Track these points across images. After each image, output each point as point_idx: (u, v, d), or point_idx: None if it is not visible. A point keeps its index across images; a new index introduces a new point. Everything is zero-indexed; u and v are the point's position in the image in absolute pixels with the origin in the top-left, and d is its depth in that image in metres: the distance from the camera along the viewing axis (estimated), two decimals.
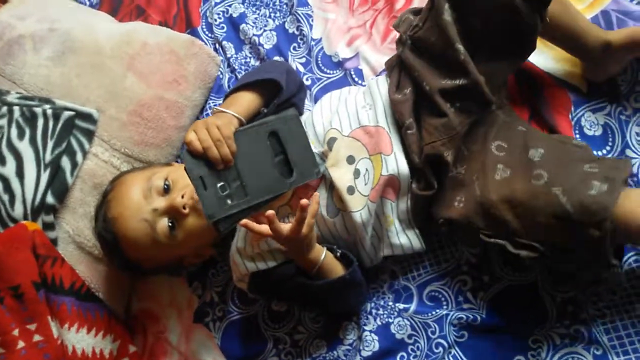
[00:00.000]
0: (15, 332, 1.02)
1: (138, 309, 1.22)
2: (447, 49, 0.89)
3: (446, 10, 0.87)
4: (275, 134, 0.91)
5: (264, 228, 0.88)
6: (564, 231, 0.82)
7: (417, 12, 0.97)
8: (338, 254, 0.97)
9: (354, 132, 0.96)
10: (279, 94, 1.00)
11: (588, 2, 1.04)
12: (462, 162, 0.93)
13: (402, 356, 1.01)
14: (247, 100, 0.98)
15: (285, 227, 0.88)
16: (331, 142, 0.96)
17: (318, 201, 0.90)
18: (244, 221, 0.88)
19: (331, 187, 0.96)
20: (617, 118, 1.00)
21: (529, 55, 0.95)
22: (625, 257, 0.93)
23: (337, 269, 0.96)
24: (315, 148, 0.97)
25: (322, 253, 0.94)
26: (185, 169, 0.86)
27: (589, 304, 0.94)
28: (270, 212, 0.86)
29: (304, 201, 0.86)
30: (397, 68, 0.98)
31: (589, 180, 0.80)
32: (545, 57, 1.05)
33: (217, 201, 0.86)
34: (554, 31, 0.89)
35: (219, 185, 0.87)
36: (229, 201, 0.87)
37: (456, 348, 0.98)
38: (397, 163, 0.94)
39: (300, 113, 1.08)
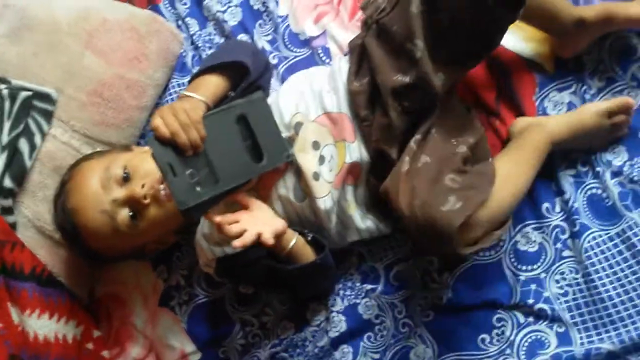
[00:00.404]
0: None
1: (102, 293, 1.20)
2: (406, 41, 0.87)
3: (415, 1, 0.85)
4: (243, 117, 0.90)
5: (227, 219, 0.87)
6: (422, 237, 0.84)
7: None
8: (309, 238, 0.96)
9: (320, 117, 0.95)
10: (246, 76, 0.97)
11: None
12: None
13: (369, 336, 1.02)
14: (214, 84, 0.96)
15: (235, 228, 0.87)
16: (297, 126, 0.95)
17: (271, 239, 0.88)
18: (212, 217, 0.88)
19: (298, 172, 0.95)
20: (581, 97, 1.00)
21: (491, 52, 0.94)
22: (584, 236, 0.95)
23: (308, 253, 0.95)
24: (283, 132, 0.95)
25: (293, 238, 0.93)
26: (152, 155, 0.84)
27: (552, 282, 0.95)
28: (217, 218, 0.85)
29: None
30: (358, 52, 0.96)
31: (445, 195, 0.81)
32: (513, 37, 1.04)
33: (187, 188, 0.84)
34: (527, 12, 0.89)
35: (187, 172, 0.85)
36: (198, 188, 0.85)
37: (422, 327, 0.99)
38: (360, 151, 0.94)
39: (267, 94, 1.06)
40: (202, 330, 1.12)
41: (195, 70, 1.19)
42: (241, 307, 1.10)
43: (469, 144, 0.90)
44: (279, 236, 0.89)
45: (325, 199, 0.94)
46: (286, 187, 0.95)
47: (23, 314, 1.05)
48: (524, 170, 0.92)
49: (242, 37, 1.20)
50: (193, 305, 1.13)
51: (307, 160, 0.93)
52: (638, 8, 0.95)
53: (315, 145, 0.94)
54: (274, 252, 0.94)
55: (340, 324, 1.02)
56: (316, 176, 0.93)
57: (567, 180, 0.98)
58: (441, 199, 0.80)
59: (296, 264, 0.94)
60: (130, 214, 0.94)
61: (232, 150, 0.89)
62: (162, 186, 0.93)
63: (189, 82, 1.00)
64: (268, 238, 0.86)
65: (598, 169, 0.97)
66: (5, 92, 1.10)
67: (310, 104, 0.96)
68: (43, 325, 1.06)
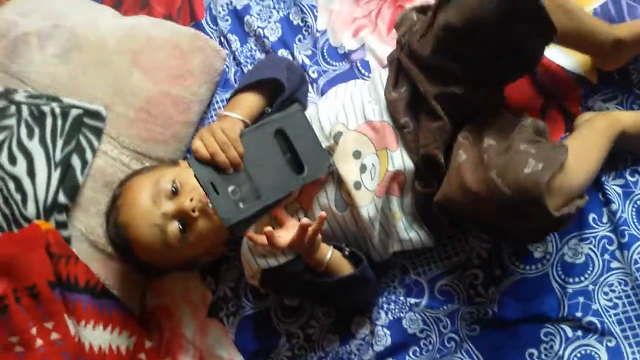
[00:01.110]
0: (33, 331, 1.04)
1: (153, 304, 1.23)
2: (442, 64, 0.88)
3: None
4: (281, 131, 0.91)
5: (263, 240, 0.89)
6: (510, 216, 0.81)
7: (421, 10, 0.95)
8: (346, 252, 0.97)
9: (360, 126, 0.95)
10: (281, 92, 0.99)
11: None
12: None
13: (415, 350, 1.02)
14: (250, 101, 0.98)
15: (285, 238, 0.89)
16: (337, 136, 0.96)
17: (322, 222, 0.89)
18: (249, 234, 0.90)
19: (339, 182, 0.95)
20: (629, 107, 0.98)
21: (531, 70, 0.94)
22: (634, 247, 0.93)
23: (345, 267, 0.96)
24: (322, 143, 0.96)
25: (328, 252, 0.94)
26: (195, 176, 0.86)
27: (601, 295, 0.94)
28: (267, 229, 0.86)
29: (305, 220, 0.87)
30: (396, 65, 0.97)
31: (524, 158, 0.79)
32: (556, 49, 1.02)
33: (230, 205, 0.86)
34: (562, 39, 0.87)
35: (230, 189, 0.87)
36: (241, 205, 0.87)
37: (468, 342, 0.98)
38: (402, 159, 0.94)
39: (304, 107, 1.07)
40: (249, 342, 1.14)
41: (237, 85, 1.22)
42: (287, 319, 1.11)
43: (534, 120, 0.88)
44: (298, 244, 0.89)
45: (368, 208, 0.94)
46: (327, 197, 0.96)
47: (79, 325, 1.09)
48: (595, 150, 0.90)
49: (282, 52, 1.21)
50: (240, 316, 1.15)
51: (348, 170, 0.94)
52: None
53: (356, 154, 0.94)
54: (312, 267, 0.95)
55: (385, 338, 1.03)
56: (358, 185, 0.94)
57: (614, 190, 0.95)
58: (521, 163, 0.78)
59: (333, 277, 0.95)
60: (180, 227, 0.97)
61: (272, 164, 0.90)
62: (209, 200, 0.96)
63: (227, 101, 1.02)
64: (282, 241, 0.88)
65: None
66: (57, 110, 1.14)
67: (351, 113, 0.97)
68: (98, 336, 1.10)
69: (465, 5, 0.80)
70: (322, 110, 0.99)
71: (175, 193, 0.98)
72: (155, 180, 1.00)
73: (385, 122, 0.95)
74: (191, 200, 0.96)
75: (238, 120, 0.94)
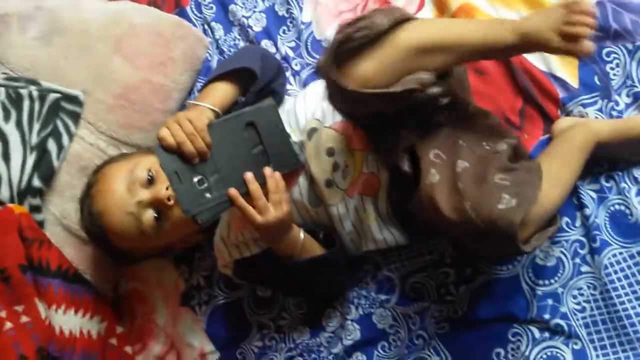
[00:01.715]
0: (3, 314, 1.03)
1: (126, 289, 1.23)
2: None
3: None
4: (252, 124, 0.90)
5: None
6: (480, 243, 0.82)
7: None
8: (320, 236, 0.97)
9: (336, 124, 0.95)
10: (254, 82, 0.98)
11: None
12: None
13: (384, 346, 1.02)
14: (222, 91, 0.97)
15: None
16: (311, 132, 0.95)
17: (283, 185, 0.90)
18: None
19: (312, 178, 0.95)
20: (608, 114, 0.98)
21: None
22: (604, 252, 0.94)
23: (317, 250, 0.96)
24: (296, 137, 0.96)
25: (299, 233, 0.94)
26: (159, 165, 0.85)
27: (569, 298, 0.94)
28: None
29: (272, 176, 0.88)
30: None
31: (498, 193, 0.79)
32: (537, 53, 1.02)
33: (194, 195, 0.86)
34: None
35: (196, 179, 0.86)
36: (207, 194, 0.86)
37: (436, 340, 0.99)
38: (377, 162, 0.93)
39: (281, 99, 1.06)
40: (220, 331, 1.14)
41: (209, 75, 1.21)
42: (259, 310, 1.12)
43: (508, 143, 0.88)
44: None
45: (338, 206, 0.94)
46: (301, 193, 0.96)
47: (49, 308, 1.08)
48: (570, 168, 0.90)
49: (266, 42, 1.20)
50: (212, 305, 1.15)
51: (320, 167, 0.93)
52: None
53: (329, 151, 0.94)
54: (286, 256, 0.95)
55: (354, 332, 1.03)
56: (329, 183, 0.94)
57: (589, 195, 0.96)
58: (495, 198, 0.78)
59: (305, 258, 0.94)
60: (155, 215, 0.96)
61: (240, 157, 0.89)
62: None
63: (200, 91, 1.01)
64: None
65: (623, 185, 0.95)
66: (35, 93, 1.13)
67: (328, 109, 0.96)
68: (68, 320, 1.10)
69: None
70: (299, 104, 0.99)
71: (150, 181, 0.97)
72: (130, 168, 0.99)
73: None
74: (167, 188, 0.95)
75: (207, 110, 0.92)
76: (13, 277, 1.05)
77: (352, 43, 0.76)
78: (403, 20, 0.79)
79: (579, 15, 0.76)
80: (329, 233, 0.97)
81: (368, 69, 0.77)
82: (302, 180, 0.96)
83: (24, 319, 1.06)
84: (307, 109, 0.98)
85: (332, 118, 0.95)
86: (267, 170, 0.88)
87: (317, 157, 0.94)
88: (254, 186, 0.88)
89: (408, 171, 0.88)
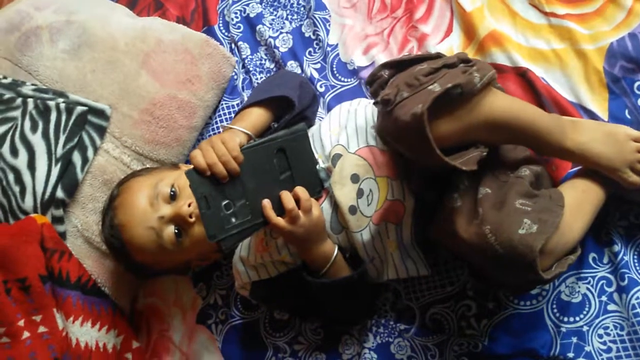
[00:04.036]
0: (21, 323, 1.04)
1: (144, 304, 1.23)
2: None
3: None
4: (283, 150, 0.90)
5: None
6: (499, 270, 0.80)
7: (392, 66, 0.90)
8: (347, 256, 0.96)
9: (361, 150, 0.94)
10: (291, 110, 0.98)
11: (614, 24, 0.99)
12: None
13: None
14: (256, 115, 0.97)
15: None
16: (335, 158, 0.94)
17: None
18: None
19: (336, 204, 0.94)
20: None
21: None
22: (632, 291, 0.90)
23: (344, 272, 0.94)
24: (322, 163, 0.95)
25: (334, 249, 0.93)
26: (190, 187, 0.85)
27: (595, 337, 0.92)
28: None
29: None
30: None
31: (519, 218, 0.77)
32: (567, 83, 1.00)
33: (220, 220, 0.85)
34: None
35: (224, 203, 0.86)
36: (233, 219, 0.86)
37: None
38: (403, 190, 0.92)
39: (311, 125, 1.06)
40: (235, 352, 1.13)
41: (245, 93, 1.21)
42: (275, 332, 1.10)
43: (531, 170, 0.86)
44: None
45: (362, 233, 0.93)
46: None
47: (67, 320, 1.08)
48: (591, 206, 0.88)
49: (292, 63, 1.21)
50: (229, 325, 1.14)
51: (344, 194, 0.92)
52: None
53: (354, 178, 0.93)
54: (314, 269, 0.94)
55: None
56: (353, 210, 0.92)
57: (618, 232, 0.93)
58: (516, 223, 0.76)
59: (334, 278, 0.93)
60: (176, 231, 0.96)
61: (268, 183, 0.89)
62: None
63: (235, 114, 1.01)
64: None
65: None
66: (62, 105, 1.14)
67: (352, 136, 0.95)
68: (85, 333, 1.10)
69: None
70: (324, 129, 0.98)
71: (173, 197, 0.97)
72: (154, 183, 0.99)
73: (387, 151, 0.93)
74: (189, 205, 0.95)
75: (240, 133, 0.93)
76: (33, 287, 1.05)
77: (447, 98, 0.76)
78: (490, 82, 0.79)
79: None
80: (354, 254, 0.96)
81: (448, 128, 0.77)
82: (325, 206, 0.95)
83: (42, 329, 1.06)
84: (331, 134, 0.97)
85: (357, 144, 0.94)
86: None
87: (342, 183, 0.93)
88: (288, 197, 0.88)
89: (433, 199, 0.87)
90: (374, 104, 0.82)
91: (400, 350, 1.00)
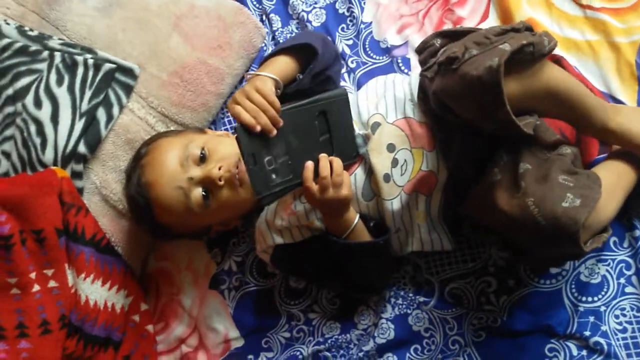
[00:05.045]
0: (32, 275, 1.03)
1: (154, 267, 1.22)
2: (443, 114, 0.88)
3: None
4: (324, 113, 0.91)
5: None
6: (538, 242, 0.82)
7: (445, 35, 0.91)
8: (371, 225, 0.96)
9: (399, 121, 0.95)
10: (314, 59, 0.98)
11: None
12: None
13: (416, 348, 1.01)
14: (283, 63, 0.97)
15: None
16: (375, 126, 0.96)
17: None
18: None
19: (370, 171, 0.95)
20: None
21: None
22: None
23: (367, 237, 0.95)
24: (358, 130, 0.96)
25: (355, 217, 0.94)
26: (239, 143, 0.85)
27: (611, 317, 0.94)
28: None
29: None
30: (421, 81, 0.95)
31: (562, 192, 0.79)
32: (598, 72, 1.03)
33: (264, 177, 0.86)
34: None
35: (266, 159, 0.87)
36: (273, 176, 0.87)
37: (472, 347, 0.98)
38: (437, 161, 0.93)
39: (336, 87, 1.07)
40: (247, 318, 1.13)
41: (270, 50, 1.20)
42: (290, 300, 1.11)
43: (572, 150, 0.88)
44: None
45: (393, 202, 0.94)
46: (356, 185, 0.96)
47: (78, 277, 1.07)
48: (623, 190, 0.90)
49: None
50: (242, 292, 1.14)
51: (380, 161, 0.94)
52: None
53: (390, 147, 0.94)
54: (336, 233, 0.94)
55: (388, 331, 1.02)
56: (387, 178, 0.94)
57: (639, 218, 0.96)
58: (559, 196, 0.78)
59: (358, 241, 0.94)
60: (203, 193, 0.96)
61: (309, 143, 0.90)
62: (236, 170, 0.96)
63: (261, 63, 1.01)
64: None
65: None
66: (90, 61, 1.13)
67: (391, 106, 0.96)
68: (95, 291, 1.09)
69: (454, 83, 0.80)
70: (362, 98, 0.99)
71: (202, 160, 0.98)
72: (184, 143, 0.99)
73: (424, 123, 0.94)
74: (219, 168, 0.95)
75: (269, 79, 0.92)
76: (48, 240, 1.05)
77: (520, 56, 0.77)
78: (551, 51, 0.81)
79: None
80: (380, 222, 0.97)
81: (513, 89, 0.78)
82: (359, 172, 0.96)
83: (52, 283, 1.05)
84: (370, 102, 0.98)
85: (395, 115, 0.96)
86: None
87: (379, 151, 0.94)
88: (325, 163, 0.88)
89: (471, 172, 0.89)
90: (439, 64, 0.82)
91: (418, 322, 1.02)
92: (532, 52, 0.78)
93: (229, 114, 1.22)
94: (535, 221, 0.78)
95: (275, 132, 0.86)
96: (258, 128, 0.85)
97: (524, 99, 0.80)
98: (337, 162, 0.89)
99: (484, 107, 0.78)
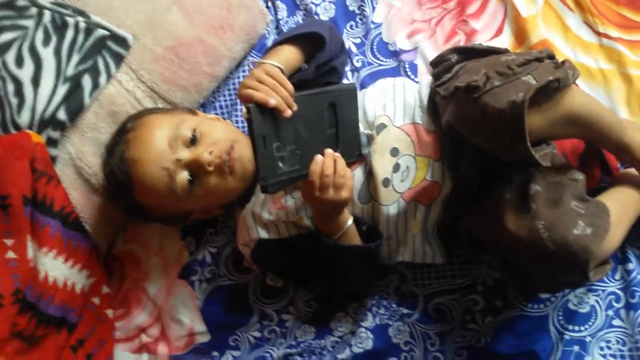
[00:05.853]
0: None
1: (122, 249, 1.16)
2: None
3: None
4: (333, 106, 0.88)
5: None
6: (540, 267, 0.81)
7: (461, 51, 0.90)
8: (364, 228, 0.93)
9: (406, 126, 0.93)
10: (321, 49, 0.95)
11: None
12: None
13: None
14: (288, 52, 0.93)
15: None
16: (380, 128, 0.92)
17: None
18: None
19: (369, 173, 0.92)
20: None
21: None
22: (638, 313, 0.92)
23: (357, 241, 0.92)
24: (363, 129, 0.93)
25: (349, 219, 0.90)
26: (250, 124, 0.80)
27: (596, 349, 0.93)
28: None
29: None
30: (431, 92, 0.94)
31: (574, 218, 0.78)
32: (605, 101, 1.02)
33: (272, 164, 0.82)
34: None
35: (275, 145, 0.82)
36: (280, 164, 0.83)
37: None
38: (443, 173, 0.91)
39: (340, 78, 1.05)
40: (217, 313, 1.08)
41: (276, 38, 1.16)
42: (265, 299, 1.06)
43: (583, 176, 0.86)
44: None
45: (390, 207, 0.91)
46: (353, 186, 0.92)
47: (39, 250, 1.01)
48: (627, 222, 0.89)
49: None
50: (214, 285, 1.09)
51: (381, 164, 0.91)
52: None
53: (394, 151, 0.91)
54: (326, 234, 0.91)
55: (366, 341, 0.99)
56: (386, 182, 0.91)
57: (634, 251, 0.95)
58: (571, 223, 0.76)
59: (350, 244, 0.90)
60: (189, 177, 0.91)
61: (317, 134, 0.87)
62: (228, 157, 0.91)
63: (266, 52, 0.97)
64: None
65: None
66: (82, 25, 1.07)
67: (399, 109, 0.94)
68: (56, 267, 1.03)
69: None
70: (369, 97, 0.96)
71: (193, 142, 0.93)
72: (175, 123, 0.94)
73: (432, 132, 0.91)
74: (210, 153, 0.90)
75: (275, 67, 0.88)
76: (12, 207, 0.99)
77: (544, 91, 0.75)
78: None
79: None
80: (373, 227, 0.94)
81: (535, 122, 0.76)
82: (358, 173, 0.93)
83: (10, 254, 1.00)
84: (377, 103, 0.95)
85: (403, 119, 0.93)
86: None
87: (381, 154, 0.91)
88: (330, 161, 0.85)
89: (476, 186, 0.87)
90: (456, 87, 0.79)
91: (398, 334, 0.98)
92: (557, 87, 0.77)
93: (220, 97, 1.18)
94: (543, 245, 0.76)
95: (289, 112, 0.82)
96: (272, 102, 0.80)
97: (545, 129, 0.79)
98: (342, 163, 0.86)
99: (502, 139, 0.77)
